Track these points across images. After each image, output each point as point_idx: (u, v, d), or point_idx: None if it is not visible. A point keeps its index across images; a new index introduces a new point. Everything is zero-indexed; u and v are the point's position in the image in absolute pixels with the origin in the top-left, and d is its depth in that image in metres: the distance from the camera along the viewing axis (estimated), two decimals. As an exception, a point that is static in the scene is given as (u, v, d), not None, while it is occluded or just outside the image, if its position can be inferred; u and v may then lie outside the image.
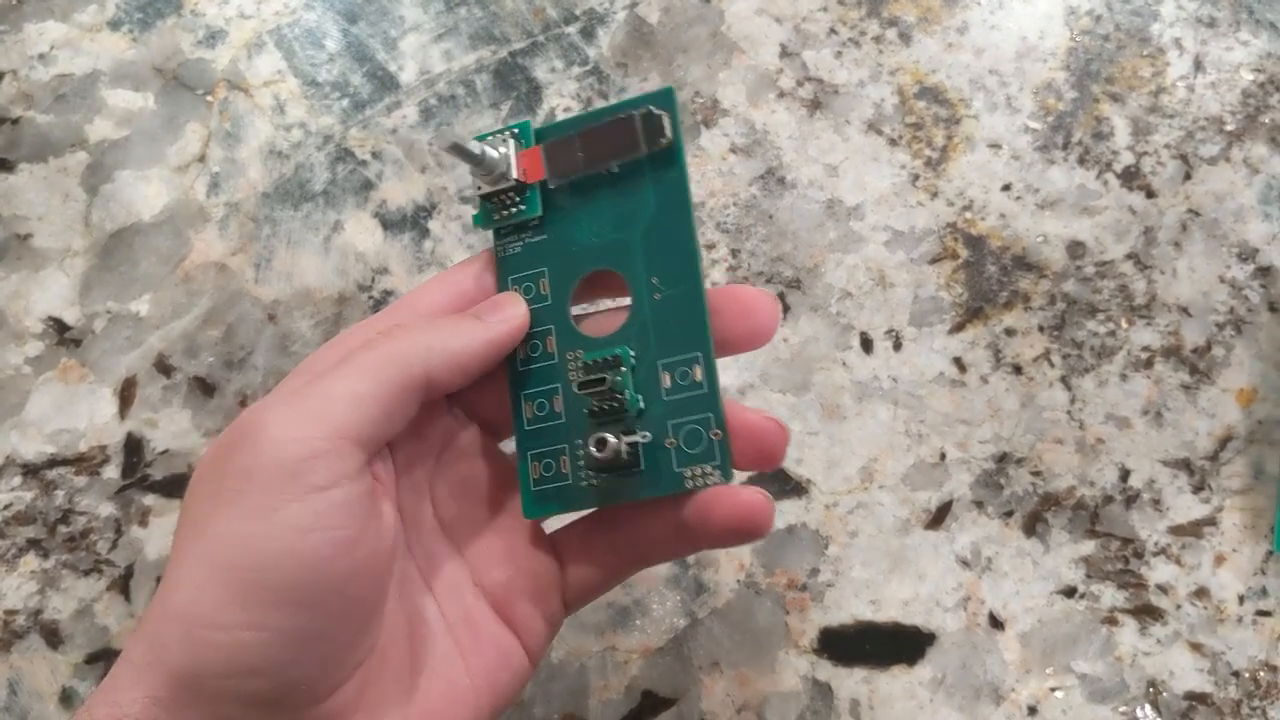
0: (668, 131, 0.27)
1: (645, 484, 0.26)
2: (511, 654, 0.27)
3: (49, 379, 0.40)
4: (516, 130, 0.28)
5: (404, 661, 0.26)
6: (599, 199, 0.28)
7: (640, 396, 0.26)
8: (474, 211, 0.29)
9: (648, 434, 0.26)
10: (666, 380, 0.26)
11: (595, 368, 0.27)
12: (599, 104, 0.42)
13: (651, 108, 0.27)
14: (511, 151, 0.28)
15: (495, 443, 0.30)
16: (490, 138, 0.28)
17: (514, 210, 0.28)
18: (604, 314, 0.28)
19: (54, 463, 0.39)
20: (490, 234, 0.29)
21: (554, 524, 0.29)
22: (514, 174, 0.28)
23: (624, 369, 0.26)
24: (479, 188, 0.28)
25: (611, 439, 0.26)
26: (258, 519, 0.22)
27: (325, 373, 0.24)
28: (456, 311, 0.28)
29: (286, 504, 0.22)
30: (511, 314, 0.27)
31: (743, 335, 0.26)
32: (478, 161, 0.27)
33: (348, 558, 0.22)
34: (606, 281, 0.28)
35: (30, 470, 0.39)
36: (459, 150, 0.26)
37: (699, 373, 0.26)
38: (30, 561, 0.38)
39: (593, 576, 0.28)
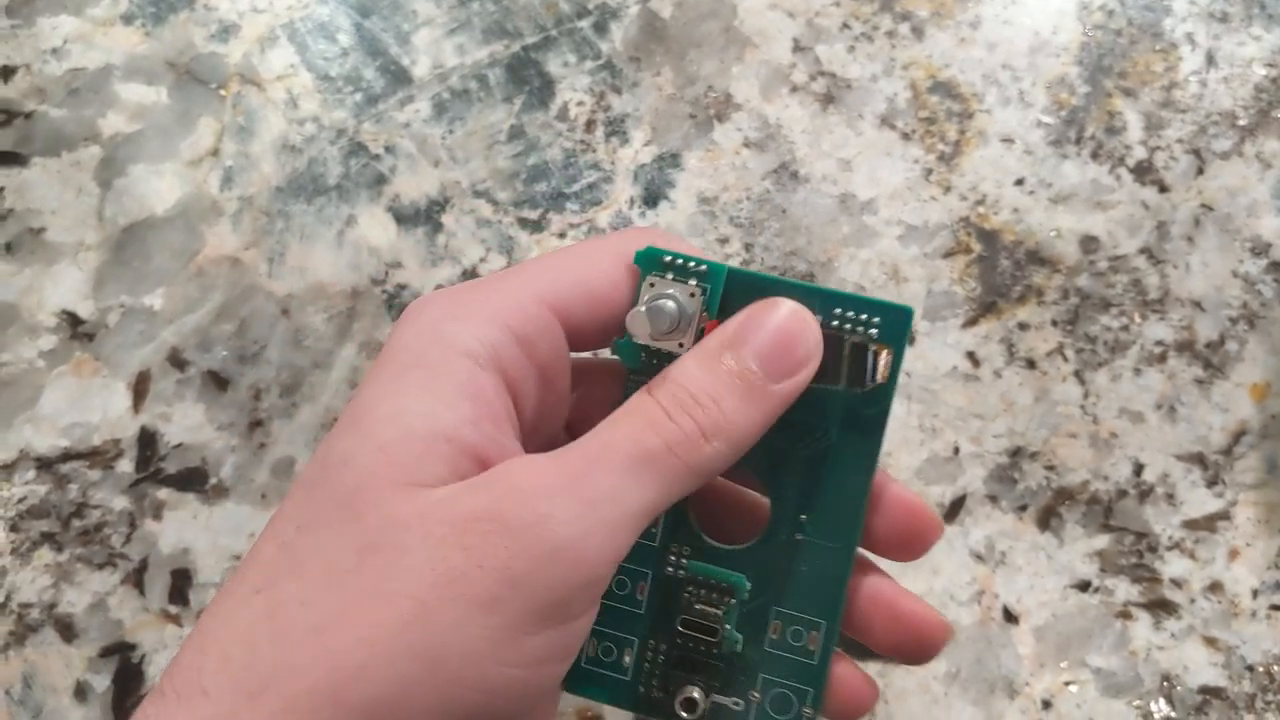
0: (877, 376, 0.22)
1: None
2: None
3: (63, 373, 0.40)
4: (707, 286, 0.23)
5: None
6: None
7: (740, 638, 0.23)
8: (618, 338, 0.24)
9: (740, 702, 0.23)
10: (774, 631, 0.23)
11: (704, 591, 0.23)
12: (611, 99, 0.42)
13: (871, 338, 0.22)
14: (696, 311, 0.23)
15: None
16: (678, 265, 0.23)
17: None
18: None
19: (68, 456, 0.39)
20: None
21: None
22: (689, 341, 0.23)
23: (733, 601, 0.23)
24: (636, 335, 0.23)
25: (700, 699, 0.23)
26: (509, 643, 0.19)
27: (610, 454, 0.20)
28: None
29: (545, 630, 0.19)
30: (809, 368, 0.22)
31: (891, 545, 0.24)
32: (669, 325, 0.23)
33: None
34: (734, 504, 0.25)
35: (44, 464, 0.39)
36: (659, 318, 0.22)
37: (815, 641, 0.23)
38: (44, 555, 0.39)
39: None
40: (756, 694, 0.23)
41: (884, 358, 0.22)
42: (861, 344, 0.22)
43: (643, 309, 0.22)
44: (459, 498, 0.19)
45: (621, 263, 0.23)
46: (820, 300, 0.22)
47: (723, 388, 0.21)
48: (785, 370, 0.22)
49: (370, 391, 0.21)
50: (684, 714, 0.23)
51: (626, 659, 0.24)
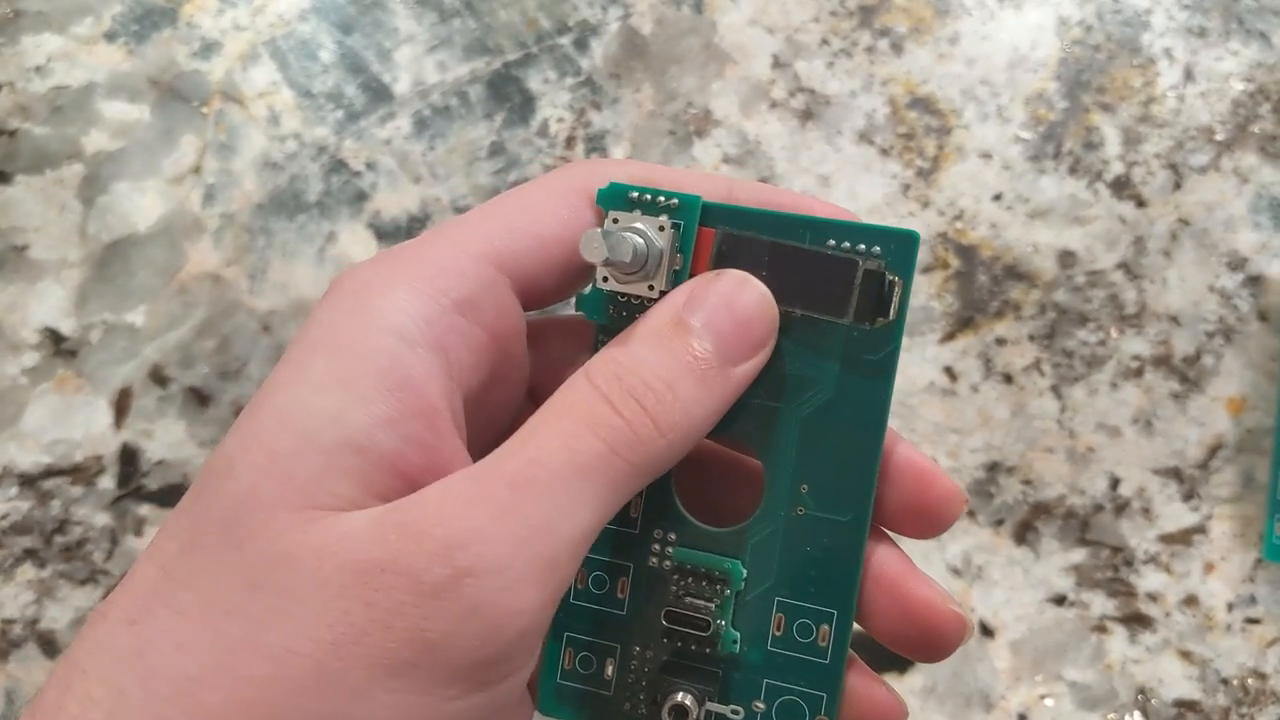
0: (892, 310, 0.19)
1: None
2: None
3: (45, 390, 0.40)
4: (680, 221, 0.20)
5: None
6: None
7: (738, 635, 0.20)
8: (580, 292, 0.21)
9: (740, 710, 0.20)
10: (778, 625, 0.20)
11: (692, 581, 0.20)
12: (592, 115, 0.43)
13: (886, 265, 0.19)
14: (668, 247, 0.20)
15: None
16: (646, 201, 0.20)
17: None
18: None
19: (50, 473, 0.39)
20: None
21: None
22: (662, 282, 0.20)
23: (728, 592, 0.20)
24: (604, 278, 0.20)
25: (692, 707, 0.20)
26: (424, 710, 0.16)
27: (553, 481, 0.17)
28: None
29: (469, 694, 0.16)
30: (765, 352, 0.20)
31: (905, 520, 0.21)
32: (635, 266, 0.20)
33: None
34: (723, 455, 0.22)
35: (27, 480, 0.39)
36: (614, 262, 0.19)
37: (826, 635, 0.20)
38: (27, 571, 0.39)
39: None
40: (760, 704, 0.20)
41: (897, 290, 0.19)
42: (877, 271, 0.19)
43: (598, 230, 0.19)
44: (362, 538, 0.16)
45: (575, 200, 0.20)
46: (813, 231, 0.20)
47: (678, 371, 0.18)
48: (745, 352, 0.19)
49: (274, 378, 0.18)
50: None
51: (609, 670, 0.21)
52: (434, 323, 0.18)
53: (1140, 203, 0.42)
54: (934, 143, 0.42)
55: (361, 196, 0.42)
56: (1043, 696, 0.37)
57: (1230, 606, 0.38)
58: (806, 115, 0.43)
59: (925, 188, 0.42)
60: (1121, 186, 0.42)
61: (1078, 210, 0.42)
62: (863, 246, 0.20)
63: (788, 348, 0.20)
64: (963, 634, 0.20)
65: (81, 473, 0.39)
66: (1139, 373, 0.40)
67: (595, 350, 0.20)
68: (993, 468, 0.39)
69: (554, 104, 0.43)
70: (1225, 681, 0.37)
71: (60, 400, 0.40)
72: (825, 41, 0.44)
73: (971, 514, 0.39)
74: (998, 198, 0.42)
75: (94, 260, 0.41)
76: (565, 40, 0.44)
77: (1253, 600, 0.38)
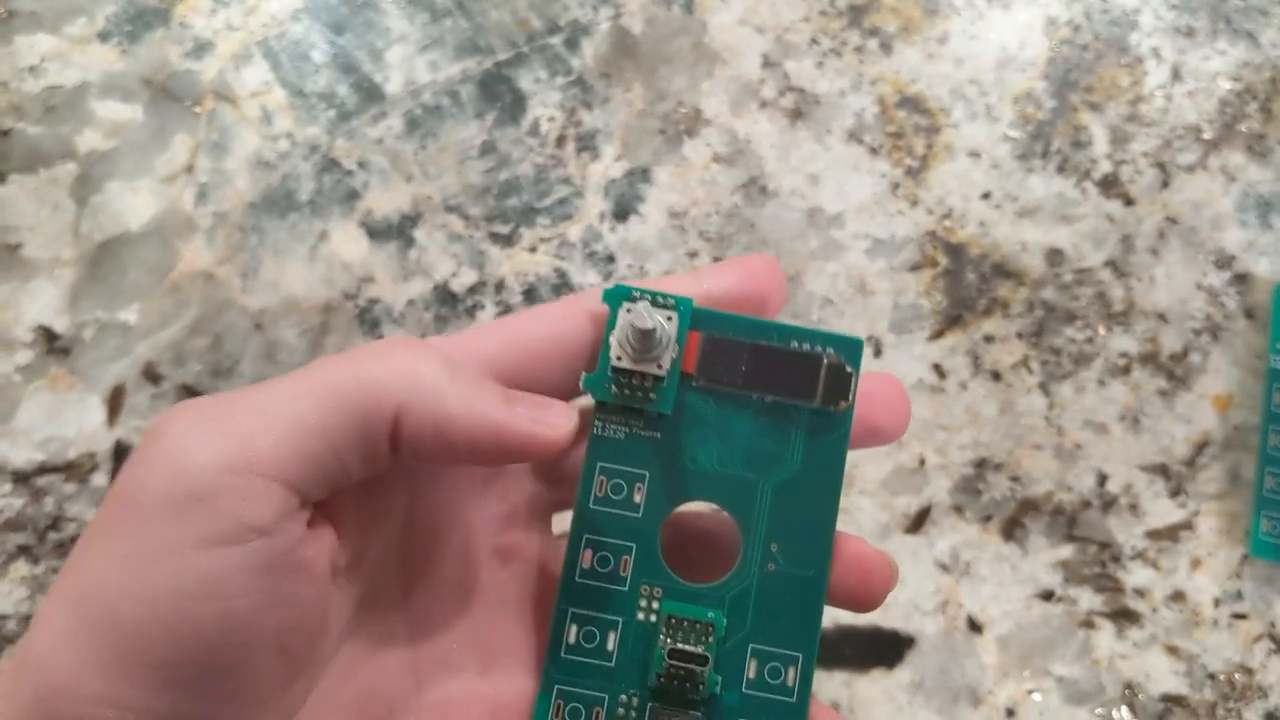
0: (851, 395, 0.23)
1: None
2: None
3: (39, 387, 0.40)
4: (675, 315, 0.23)
5: None
6: (737, 424, 0.23)
7: (719, 679, 0.23)
8: (587, 373, 0.23)
9: None
10: (751, 670, 0.23)
11: (680, 632, 0.22)
12: (582, 115, 0.43)
13: (844, 360, 0.23)
14: (673, 334, 0.23)
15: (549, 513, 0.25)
16: (654, 299, 0.23)
17: (642, 395, 0.23)
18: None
19: (43, 470, 0.40)
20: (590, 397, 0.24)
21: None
22: (667, 363, 0.23)
23: (711, 640, 0.22)
24: (618, 357, 0.23)
25: None
26: (131, 571, 0.17)
27: (273, 381, 0.18)
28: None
29: (170, 556, 0.17)
30: (553, 423, 0.21)
31: (847, 596, 0.23)
32: (652, 344, 0.23)
33: (244, 634, 0.17)
34: (702, 539, 0.24)
35: (20, 477, 0.39)
36: (643, 333, 0.22)
37: (792, 677, 0.23)
38: (20, 567, 0.39)
39: None
40: None
41: (853, 379, 0.23)
42: (838, 363, 0.23)
43: (647, 303, 0.22)
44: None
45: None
46: (778, 333, 0.23)
47: None
48: None
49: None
50: None
51: (598, 719, 0.23)
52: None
53: (1128, 201, 0.42)
54: (923, 142, 0.43)
55: (353, 195, 0.42)
56: (1030, 691, 0.37)
57: (1217, 602, 0.38)
58: (796, 114, 0.43)
59: (914, 186, 0.42)
60: (1109, 185, 0.42)
61: (1066, 209, 0.42)
62: (819, 347, 0.23)
63: (764, 428, 0.23)
64: (890, 574, 0.23)
65: (75, 470, 0.40)
66: (1126, 370, 0.40)
67: (593, 427, 0.23)
68: (981, 464, 0.39)
69: (545, 103, 0.43)
70: (1212, 676, 0.37)
71: (53, 398, 0.40)
72: (815, 41, 0.44)
73: (959, 510, 0.39)
74: (986, 196, 0.42)
75: (87, 259, 0.41)
76: (556, 40, 0.44)
77: (1239, 596, 0.38)
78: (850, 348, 0.23)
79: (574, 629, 0.23)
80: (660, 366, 0.23)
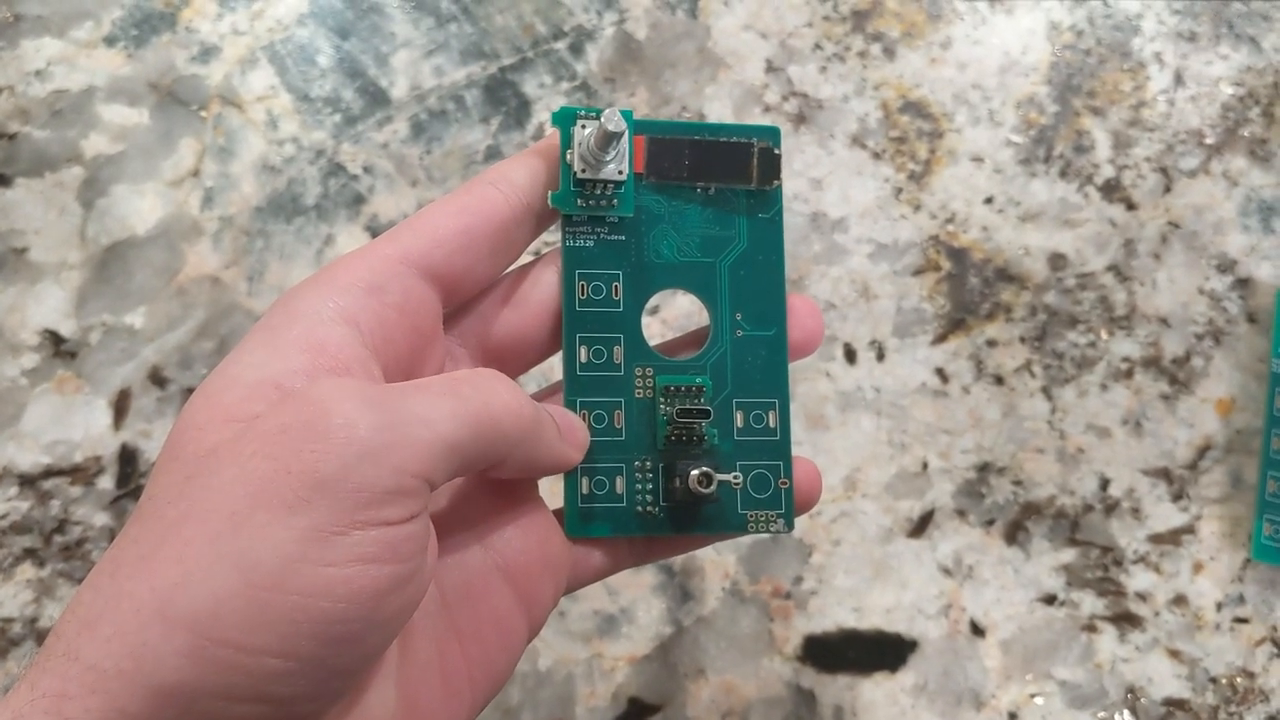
0: (781, 173, 0.27)
1: (708, 521, 0.26)
2: (511, 632, 0.25)
3: (45, 391, 0.40)
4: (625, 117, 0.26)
5: (393, 658, 0.23)
6: (688, 216, 0.27)
7: (716, 433, 0.26)
8: (553, 190, 0.25)
9: (739, 476, 0.26)
10: (739, 420, 0.26)
11: (678, 395, 0.26)
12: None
13: (771, 144, 0.27)
14: (628, 132, 0.25)
15: None
16: (594, 116, 0.25)
17: (605, 203, 0.26)
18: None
19: (50, 473, 0.40)
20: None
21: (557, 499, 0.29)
22: (626, 167, 0.25)
23: (703, 401, 0.26)
24: (582, 169, 0.25)
25: (711, 472, 0.25)
26: (320, 542, 0.19)
27: (424, 389, 0.21)
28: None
29: (355, 531, 0.19)
30: (581, 443, 0.25)
31: (798, 344, 0.27)
32: (613, 149, 0.25)
33: (402, 593, 0.20)
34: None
35: (26, 481, 0.40)
36: (612, 136, 0.24)
37: (773, 419, 0.26)
38: (26, 570, 0.39)
39: (601, 562, 0.27)
40: (738, 480, 0.26)
41: (780, 159, 0.27)
42: (768, 148, 0.27)
43: (616, 109, 0.24)
44: (270, 416, 0.20)
45: (466, 203, 0.25)
46: (709, 130, 0.27)
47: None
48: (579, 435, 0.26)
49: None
50: (701, 489, 0.25)
51: (619, 486, 0.26)
52: (346, 304, 0.22)
53: (1130, 206, 0.42)
54: (926, 146, 0.43)
55: (359, 199, 0.42)
56: (1033, 695, 0.37)
57: (1219, 606, 0.38)
58: (799, 119, 0.43)
59: (917, 191, 0.42)
60: (1112, 190, 0.42)
61: (1068, 213, 0.42)
62: (748, 137, 0.27)
63: (711, 216, 0.27)
64: (818, 314, 0.27)
65: (81, 473, 0.40)
66: (1129, 374, 0.40)
67: (567, 254, 0.26)
68: (984, 468, 0.39)
69: (549, 108, 0.43)
70: (1214, 680, 0.37)
71: (60, 401, 0.40)
72: (818, 46, 0.44)
73: (962, 514, 0.39)
74: (989, 201, 0.42)
75: (93, 262, 0.42)
76: (561, 45, 0.44)
77: (1241, 600, 0.38)
78: (772, 134, 0.27)
79: (584, 413, 0.26)
80: (620, 172, 0.25)
